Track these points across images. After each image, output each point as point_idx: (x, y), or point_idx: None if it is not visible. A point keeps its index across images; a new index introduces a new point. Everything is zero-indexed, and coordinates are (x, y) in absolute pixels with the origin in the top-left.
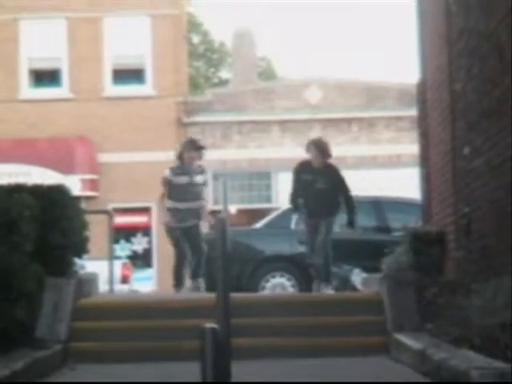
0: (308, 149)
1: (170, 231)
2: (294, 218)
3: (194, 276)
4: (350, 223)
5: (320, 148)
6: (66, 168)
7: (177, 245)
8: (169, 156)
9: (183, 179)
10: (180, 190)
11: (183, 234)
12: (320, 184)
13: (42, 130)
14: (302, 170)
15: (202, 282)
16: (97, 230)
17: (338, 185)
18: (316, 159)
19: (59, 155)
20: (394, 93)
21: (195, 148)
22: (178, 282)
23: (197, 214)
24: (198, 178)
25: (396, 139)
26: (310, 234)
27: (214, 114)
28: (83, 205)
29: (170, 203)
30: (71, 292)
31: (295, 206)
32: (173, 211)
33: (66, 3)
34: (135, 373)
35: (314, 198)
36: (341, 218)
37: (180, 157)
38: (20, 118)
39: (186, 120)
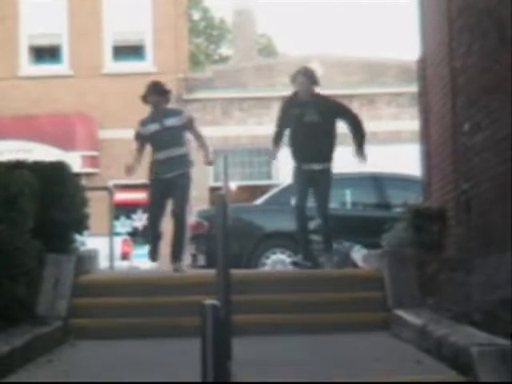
0: (294, 79)
1: (150, 186)
2: (273, 152)
3: (174, 257)
4: (360, 149)
5: (307, 75)
6: (67, 145)
7: (151, 204)
8: None
9: (152, 127)
10: (152, 139)
11: (165, 189)
12: (309, 116)
13: (43, 107)
14: (289, 104)
15: (182, 266)
16: (97, 207)
17: (334, 113)
18: (304, 87)
19: (60, 132)
20: (395, 69)
21: (159, 92)
22: (152, 253)
23: (179, 162)
24: (171, 121)
25: (396, 115)
26: (301, 190)
27: (215, 91)
28: (83, 181)
29: (152, 157)
30: (71, 268)
31: (277, 139)
32: (153, 164)
33: None
34: (135, 349)
35: (304, 134)
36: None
37: (144, 100)
38: (20, 95)
39: (186, 96)
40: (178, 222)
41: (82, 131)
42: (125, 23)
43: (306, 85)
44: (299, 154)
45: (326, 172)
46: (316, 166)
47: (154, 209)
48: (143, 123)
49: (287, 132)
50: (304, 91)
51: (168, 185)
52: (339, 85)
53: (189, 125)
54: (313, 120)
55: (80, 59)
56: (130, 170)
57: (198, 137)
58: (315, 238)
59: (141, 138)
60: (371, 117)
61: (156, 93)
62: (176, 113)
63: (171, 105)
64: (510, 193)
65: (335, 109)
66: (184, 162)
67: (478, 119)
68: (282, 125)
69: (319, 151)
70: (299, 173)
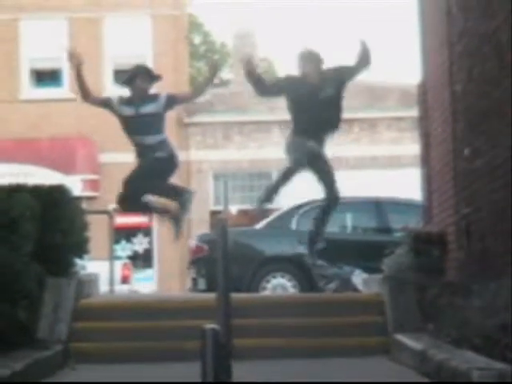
0: (302, 62)
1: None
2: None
3: None
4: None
5: (315, 58)
6: (67, 168)
7: None
8: None
9: (127, 110)
10: (125, 123)
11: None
12: (324, 92)
13: (43, 131)
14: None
15: None
16: (97, 231)
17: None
18: (312, 71)
19: (60, 155)
20: (396, 93)
21: (152, 77)
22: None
23: (154, 149)
24: (148, 108)
25: (397, 140)
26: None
27: (215, 115)
28: (84, 205)
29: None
30: (72, 292)
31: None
32: None
33: (66, 3)
34: (136, 373)
35: (316, 112)
36: None
37: (128, 84)
38: (21, 119)
39: (186, 120)
40: None
41: (83, 155)
42: (125, 47)
43: (316, 69)
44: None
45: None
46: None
47: None
48: (121, 101)
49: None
50: (313, 75)
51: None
52: None
53: (172, 102)
54: (328, 95)
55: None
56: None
57: (191, 92)
58: (318, 262)
59: (107, 105)
60: (372, 141)
61: (148, 78)
62: (153, 98)
63: (172, 130)
64: (510, 218)
65: (342, 71)
66: (162, 147)
67: (478, 144)
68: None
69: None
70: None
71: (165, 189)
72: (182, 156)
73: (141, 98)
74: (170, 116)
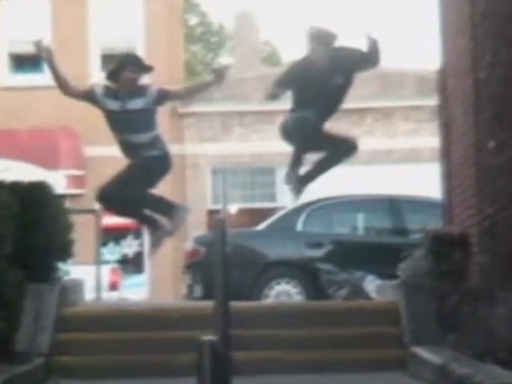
0: (310, 42)
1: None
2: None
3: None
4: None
5: (325, 38)
6: (49, 163)
7: None
8: None
9: (112, 104)
10: (109, 119)
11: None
12: (334, 80)
13: (23, 121)
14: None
15: None
16: (83, 232)
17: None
18: (322, 54)
19: (41, 148)
20: (412, 80)
21: (141, 67)
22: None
23: (145, 148)
24: (136, 103)
25: (414, 132)
26: None
27: (213, 104)
28: (68, 203)
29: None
30: (54, 300)
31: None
32: None
33: None
34: None
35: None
36: None
37: (113, 76)
38: None
39: (181, 110)
40: None
41: (67, 148)
42: (114, 29)
43: (324, 50)
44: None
45: None
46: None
47: None
48: (105, 93)
49: None
50: (321, 58)
51: None
52: (350, 97)
53: (163, 97)
54: (339, 83)
55: (64, 68)
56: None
57: (185, 91)
58: (324, 267)
59: (90, 97)
60: (386, 133)
61: (138, 68)
62: (142, 92)
63: (165, 121)
64: None
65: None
66: (154, 145)
67: (504, 136)
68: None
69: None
70: None
71: (154, 200)
72: (175, 149)
73: (128, 90)
74: (163, 106)
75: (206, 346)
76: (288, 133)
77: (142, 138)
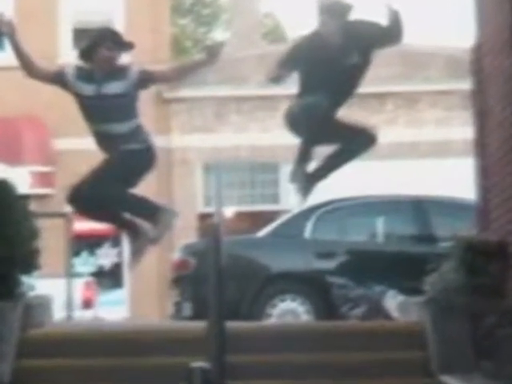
0: (321, 16)
1: None
2: None
3: None
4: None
5: (339, 11)
6: (11, 157)
7: None
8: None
9: (86, 89)
10: (83, 105)
11: None
12: (349, 58)
13: None
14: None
15: None
16: (51, 239)
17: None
18: (335, 29)
19: (2, 140)
20: (441, 60)
21: (120, 44)
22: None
23: (125, 140)
24: (114, 87)
25: (444, 121)
26: None
27: (205, 87)
28: (34, 205)
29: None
30: (17, 320)
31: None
32: None
33: None
34: None
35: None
36: None
37: (87, 55)
38: None
39: (167, 95)
40: None
41: (32, 140)
42: (88, 0)
43: (334, 22)
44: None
45: None
46: None
47: None
48: (78, 75)
49: None
50: (332, 32)
51: None
52: (368, 80)
53: (146, 80)
54: (355, 62)
55: (29, 46)
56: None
57: (172, 72)
58: (337, 281)
59: (59, 80)
60: (411, 122)
61: (116, 46)
62: (122, 74)
63: (148, 107)
64: None
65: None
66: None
67: None
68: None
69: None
70: None
71: (135, 202)
72: (161, 142)
73: (105, 72)
74: (145, 90)
75: (196, 374)
76: (294, 122)
77: (121, 128)
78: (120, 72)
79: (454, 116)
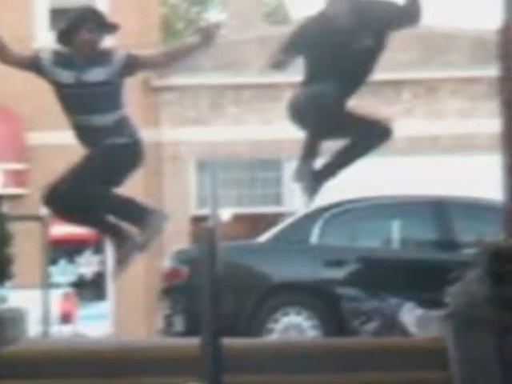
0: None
1: None
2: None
3: None
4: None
5: None
6: None
7: None
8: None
9: (65, 76)
10: (61, 94)
11: None
12: (361, 42)
13: None
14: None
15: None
16: (25, 245)
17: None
18: (344, 10)
19: None
20: (465, 44)
21: (103, 25)
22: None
23: (108, 134)
24: (96, 74)
25: (467, 112)
26: None
27: (199, 74)
28: (5, 207)
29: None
30: None
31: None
32: None
33: None
34: None
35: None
36: None
37: (66, 38)
38: None
39: (156, 83)
40: None
41: (3, 134)
42: None
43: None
44: None
45: None
46: None
47: None
48: (54, 61)
49: None
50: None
51: None
52: (382, 66)
53: (132, 66)
54: (367, 44)
55: (2, 28)
56: None
57: (162, 57)
58: (347, 292)
59: (35, 66)
60: (430, 113)
61: (98, 27)
62: (104, 58)
63: (135, 97)
64: None
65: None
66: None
67: None
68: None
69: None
70: None
71: (120, 203)
72: (149, 135)
73: (86, 57)
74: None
75: None
76: (299, 113)
77: (105, 120)
78: (103, 57)
79: (478, 106)
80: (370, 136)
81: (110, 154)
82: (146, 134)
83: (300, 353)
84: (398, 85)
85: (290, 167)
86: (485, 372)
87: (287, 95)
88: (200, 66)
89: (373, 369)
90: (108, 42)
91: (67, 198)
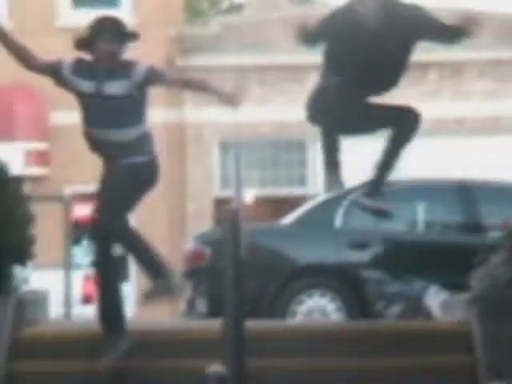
0: None
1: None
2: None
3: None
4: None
5: None
6: (3, 133)
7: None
8: (154, 116)
9: (86, 86)
10: (81, 105)
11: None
12: (389, 45)
13: None
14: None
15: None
16: (48, 226)
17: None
18: (376, 10)
19: None
20: (492, 24)
21: (122, 34)
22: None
23: (127, 150)
24: (116, 86)
25: (494, 93)
26: None
27: (223, 54)
28: (28, 188)
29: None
30: (9, 317)
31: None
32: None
33: None
34: None
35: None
36: None
37: (85, 46)
38: None
39: (180, 62)
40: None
41: (26, 113)
42: None
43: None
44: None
45: None
46: None
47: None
48: (75, 70)
49: None
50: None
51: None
52: None
53: (152, 79)
54: (393, 49)
55: (24, 6)
56: None
57: (184, 82)
58: (372, 275)
59: (55, 74)
60: (456, 95)
61: (117, 37)
62: (126, 71)
63: None
64: None
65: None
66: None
67: None
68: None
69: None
70: None
71: (138, 244)
72: (172, 117)
73: (106, 68)
74: (157, 56)
75: (211, 380)
76: (310, 109)
77: (123, 135)
78: (124, 69)
79: (506, 88)
80: (406, 122)
81: (131, 174)
82: (170, 115)
83: (323, 336)
84: (423, 66)
85: (314, 148)
86: (509, 357)
87: (313, 77)
88: (225, 47)
89: (397, 353)
90: (134, 21)
91: (108, 231)
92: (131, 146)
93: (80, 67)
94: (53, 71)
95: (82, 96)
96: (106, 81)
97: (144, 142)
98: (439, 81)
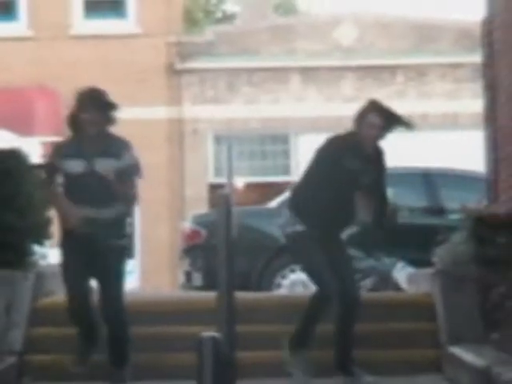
0: (363, 116)
1: (62, 246)
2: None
3: (115, 363)
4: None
5: (386, 115)
6: (23, 127)
7: (69, 287)
8: (157, 113)
9: (76, 165)
10: (74, 184)
11: (85, 265)
12: (368, 178)
13: None
14: (344, 153)
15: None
16: None
17: (380, 178)
18: (374, 134)
19: (14, 110)
20: (452, 33)
21: (103, 106)
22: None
23: (111, 228)
24: (106, 164)
25: (453, 93)
26: (320, 262)
27: (217, 59)
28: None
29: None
30: (29, 289)
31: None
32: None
33: None
34: None
35: (350, 201)
36: None
37: (72, 122)
38: None
39: (179, 66)
40: (108, 303)
41: (44, 110)
42: None
43: (379, 132)
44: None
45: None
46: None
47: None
48: (62, 154)
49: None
50: (373, 140)
51: (90, 260)
52: (379, 52)
53: (129, 171)
54: (370, 183)
55: (41, 16)
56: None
57: (126, 190)
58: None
59: (53, 171)
60: (420, 94)
61: (95, 107)
62: (117, 148)
63: (160, 79)
64: None
65: (383, 172)
66: (119, 227)
67: None
68: (321, 178)
69: (346, 220)
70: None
71: None
72: (172, 113)
73: (96, 145)
74: (158, 61)
75: (207, 344)
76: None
77: (109, 212)
78: (116, 146)
79: (463, 88)
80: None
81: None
82: (170, 112)
83: (304, 305)
84: (392, 69)
85: (295, 141)
86: (468, 323)
87: (295, 78)
88: (217, 52)
89: (368, 320)
90: (138, 29)
91: None
92: (109, 224)
93: (64, 148)
94: (53, 173)
95: (72, 175)
96: (96, 158)
97: (120, 222)
98: (406, 82)
